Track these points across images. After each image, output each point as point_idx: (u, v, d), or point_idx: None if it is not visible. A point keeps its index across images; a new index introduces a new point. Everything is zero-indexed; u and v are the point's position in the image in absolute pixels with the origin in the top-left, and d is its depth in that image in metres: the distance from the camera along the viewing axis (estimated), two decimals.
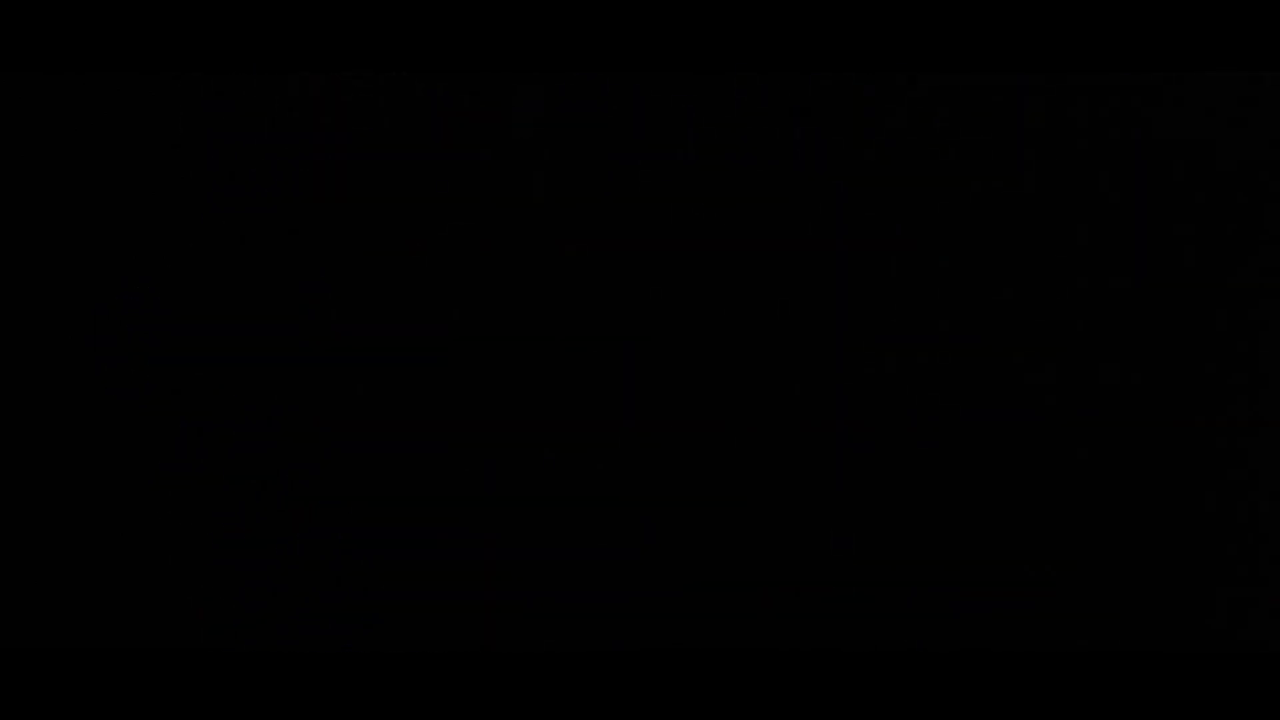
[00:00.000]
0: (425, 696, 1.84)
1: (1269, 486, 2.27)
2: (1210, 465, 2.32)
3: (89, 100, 2.22)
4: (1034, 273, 2.41)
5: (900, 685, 2.18)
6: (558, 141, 2.27)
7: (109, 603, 2.30)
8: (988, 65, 2.16)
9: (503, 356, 2.24)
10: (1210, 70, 2.13)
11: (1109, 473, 2.39)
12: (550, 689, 1.81)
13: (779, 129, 2.44)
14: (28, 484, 2.27)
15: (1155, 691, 2.04)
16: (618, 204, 2.33)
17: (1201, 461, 2.33)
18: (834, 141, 2.45)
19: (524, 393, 2.36)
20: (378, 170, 2.25)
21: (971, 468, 2.45)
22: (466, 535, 2.22)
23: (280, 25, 1.45)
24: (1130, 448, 2.37)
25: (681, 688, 2.15)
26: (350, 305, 2.25)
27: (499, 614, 2.18)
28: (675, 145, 2.36)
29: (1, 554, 2.25)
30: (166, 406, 2.26)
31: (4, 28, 1.76)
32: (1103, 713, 2.09)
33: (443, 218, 2.25)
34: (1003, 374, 2.44)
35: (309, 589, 2.19)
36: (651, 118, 2.33)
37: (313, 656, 1.79)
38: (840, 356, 2.44)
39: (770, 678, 2.20)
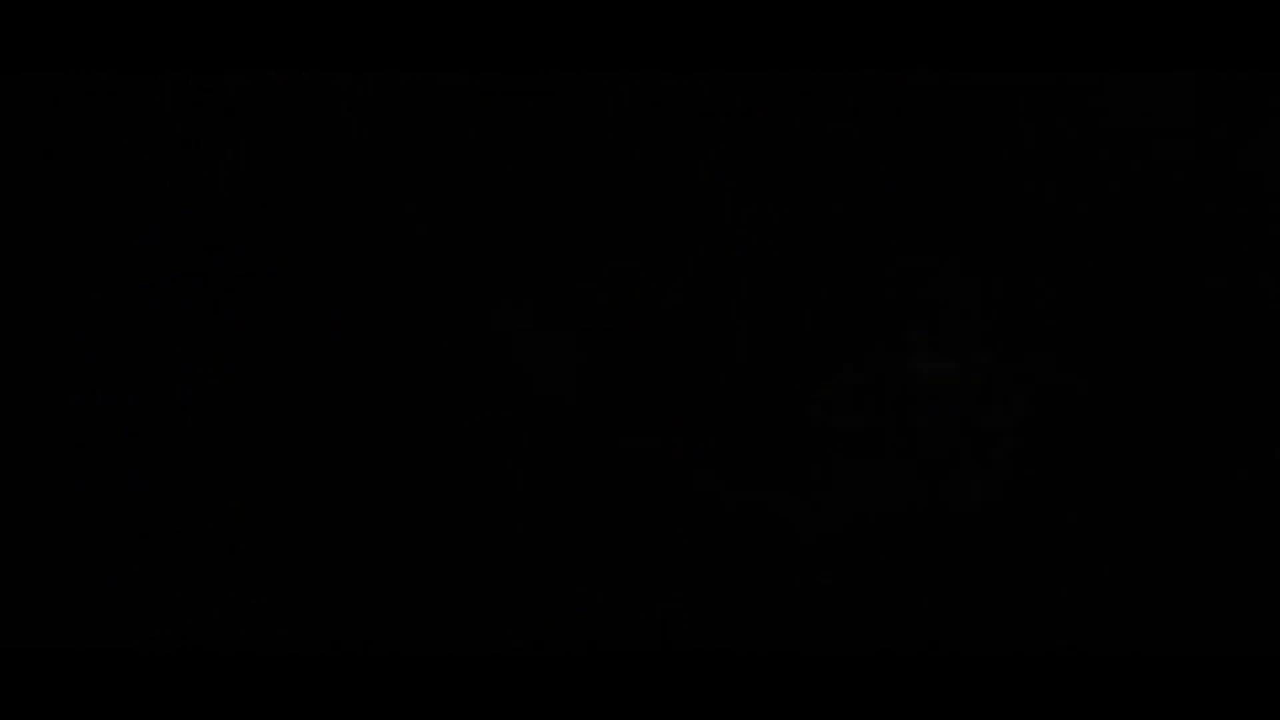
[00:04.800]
0: (425, 696, 1.85)
1: (1269, 487, 2.27)
2: (1210, 465, 2.33)
3: (89, 100, 2.23)
4: (1031, 272, 2.41)
5: (900, 685, 2.18)
6: (556, 140, 2.28)
7: (108, 603, 2.31)
8: (988, 65, 2.17)
9: (501, 356, 2.24)
10: (1212, 70, 2.14)
11: (1109, 473, 2.39)
12: (550, 689, 1.81)
13: (778, 129, 2.44)
14: (28, 484, 2.27)
15: (1155, 691, 2.05)
16: (616, 203, 2.34)
17: (1201, 461, 2.33)
18: (833, 142, 2.45)
19: (523, 392, 2.37)
20: (376, 170, 2.25)
21: (971, 468, 2.45)
22: (464, 536, 2.23)
23: (280, 25, 1.45)
24: (1130, 448, 2.37)
25: (681, 688, 2.16)
26: (348, 305, 2.25)
27: (499, 614, 2.18)
28: (673, 144, 2.37)
29: (1, 554, 2.26)
30: (164, 406, 2.27)
31: (4, 28, 1.77)
32: (1102, 713, 2.09)
33: (441, 216, 2.25)
34: (1002, 373, 2.45)
35: (309, 589, 2.19)
36: (649, 117, 2.33)
37: (314, 656, 1.80)
38: (838, 356, 2.44)
39: (768, 679, 2.21)
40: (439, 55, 1.54)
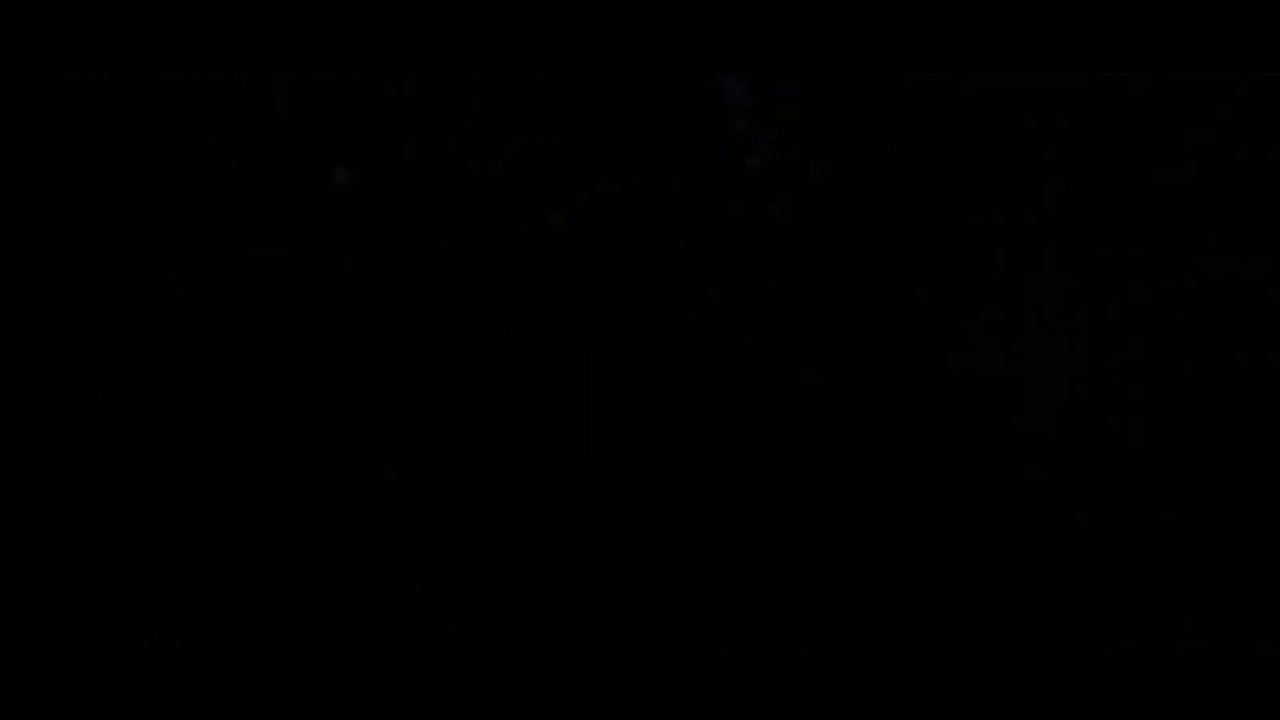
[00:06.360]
0: (425, 696, 1.85)
1: (1268, 487, 2.27)
2: (1209, 465, 2.33)
3: (89, 100, 2.23)
4: (1030, 272, 2.41)
5: (900, 685, 2.18)
6: (555, 142, 2.28)
7: (107, 603, 2.31)
8: (988, 65, 2.17)
9: (501, 356, 2.24)
10: (1210, 70, 2.14)
11: (1109, 473, 2.39)
12: (550, 689, 1.82)
13: (775, 129, 2.44)
14: (28, 483, 2.27)
15: (1155, 692, 2.05)
16: (615, 202, 2.34)
17: (1200, 461, 2.33)
18: (829, 142, 2.46)
19: (523, 393, 2.37)
20: (374, 170, 2.25)
21: (971, 468, 2.45)
22: (465, 535, 2.23)
23: (277, 26, 1.45)
24: (1130, 448, 2.37)
25: (681, 689, 2.16)
26: (347, 305, 2.25)
27: (498, 614, 2.18)
28: (673, 145, 2.37)
29: (1, 554, 2.26)
30: (164, 406, 2.27)
31: (4, 28, 1.77)
32: (1102, 713, 2.09)
33: (437, 217, 2.25)
34: (1001, 373, 2.45)
35: (308, 589, 2.19)
36: (649, 118, 2.33)
37: (315, 656, 1.80)
38: (835, 357, 2.44)
39: (768, 681, 2.21)
40: (439, 56, 1.54)
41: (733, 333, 2.38)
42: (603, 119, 2.16)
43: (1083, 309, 2.38)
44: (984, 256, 2.43)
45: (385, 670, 1.81)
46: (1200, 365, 2.33)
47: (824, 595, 2.50)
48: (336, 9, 1.46)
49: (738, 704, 2.18)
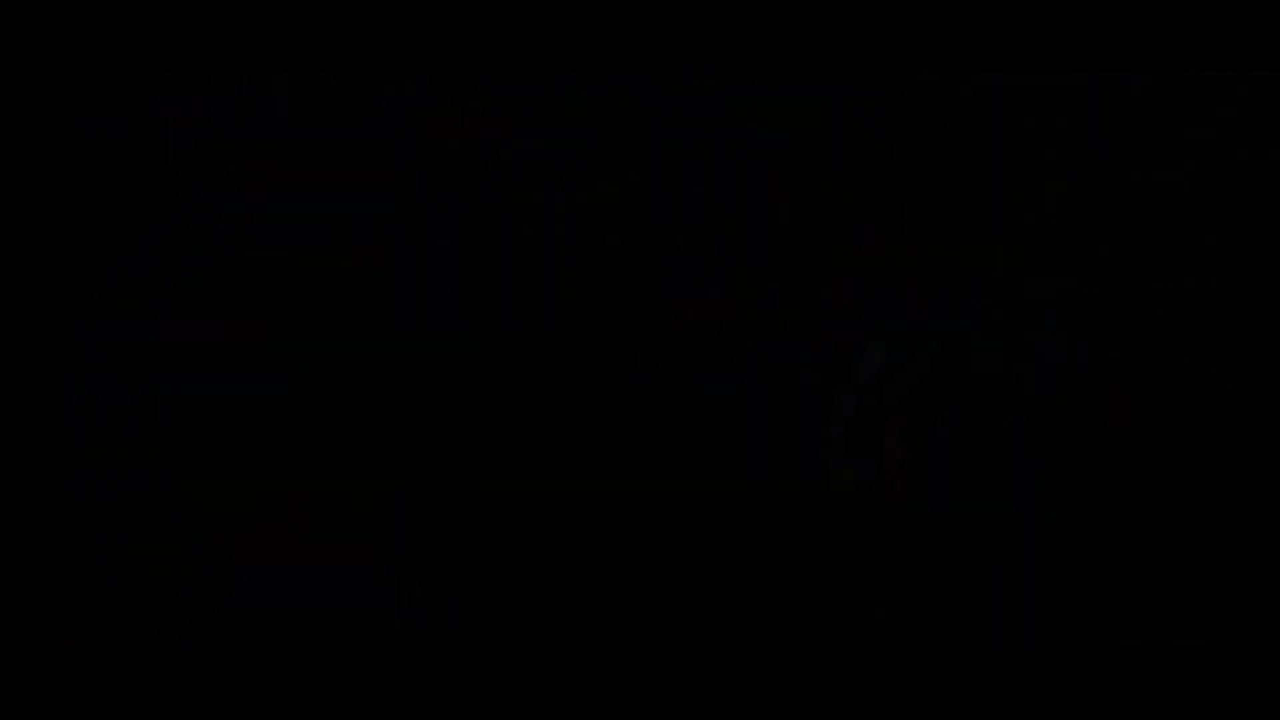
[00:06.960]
0: (425, 697, 1.85)
1: (1268, 486, 2.27)
2: (1209, 465, 2.33)
3: (89, 100, 2.23)
4: (1030, 272, 2.41)
5: (900, 685, 2.18)
6: (555, 142, 2.28)
7: (107, 603, 2.31)
8: (988, 65, 2.17)
9: (501, 356, 2.24)
10: (1210, 70, 2.14)
11: (1108, 473, 2.39)
12: (550, 689, 1.82)
13: (774, 129, 2.44)
14: (28, 483, 2.27)
15: (1155, 691, 2.05)
16: (613, 203, 2.34)
17: (1200, 461, 2.33)
18: (829, 142, 2.45)
19: (523, 393, 2.37)
20: (374, 170, 2.25)
21: (971, 467, 2.45)
22: (465, 535, 2.23)
23: (277, 26, 1.46)
24: (1129, 448, 2.37)
25: (681, 690, 2.16)
26: (345, 306, 2.25)
27: (499, 614, 2.18)
28: (673, 145, 2.37)
29: (1, 554, 2.26)
30: (164, 405, 2.27)
31: (4, 28, 1.77)
32: (1103, 713, 2.09)
33: (438, 217, 2.25)
34: (998, 373, 2.45)
35: (308, 589, 2.19)
36: (648, 118, 2.33)
37: (312, 656, 1.80)
38: (835, 356, 2.44)
39: (768, 680, 2.21)
40: (440, 56, 1.54)
41: (733, 333, 2.37)
42: (603, 119, 2.15)
43: (1083, 309, 2.38)
44: (984, 256, 2.43)
45: (385, 670, 1.81)
46: (1201, 365, 2.33)
47: (824, 595, 2.50)
48: (336, 9, 1.46)
49: (738, 704, 2.18)
